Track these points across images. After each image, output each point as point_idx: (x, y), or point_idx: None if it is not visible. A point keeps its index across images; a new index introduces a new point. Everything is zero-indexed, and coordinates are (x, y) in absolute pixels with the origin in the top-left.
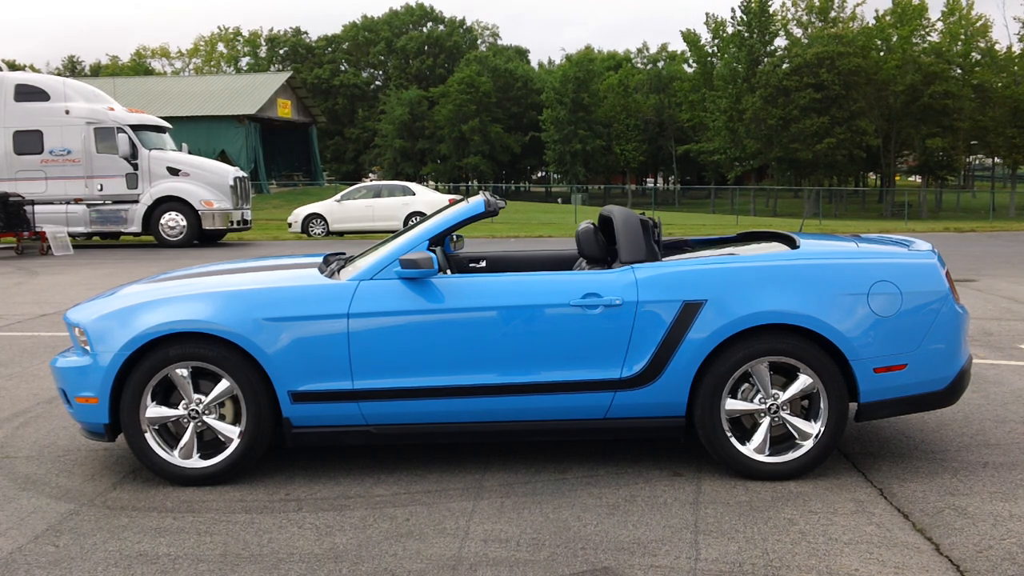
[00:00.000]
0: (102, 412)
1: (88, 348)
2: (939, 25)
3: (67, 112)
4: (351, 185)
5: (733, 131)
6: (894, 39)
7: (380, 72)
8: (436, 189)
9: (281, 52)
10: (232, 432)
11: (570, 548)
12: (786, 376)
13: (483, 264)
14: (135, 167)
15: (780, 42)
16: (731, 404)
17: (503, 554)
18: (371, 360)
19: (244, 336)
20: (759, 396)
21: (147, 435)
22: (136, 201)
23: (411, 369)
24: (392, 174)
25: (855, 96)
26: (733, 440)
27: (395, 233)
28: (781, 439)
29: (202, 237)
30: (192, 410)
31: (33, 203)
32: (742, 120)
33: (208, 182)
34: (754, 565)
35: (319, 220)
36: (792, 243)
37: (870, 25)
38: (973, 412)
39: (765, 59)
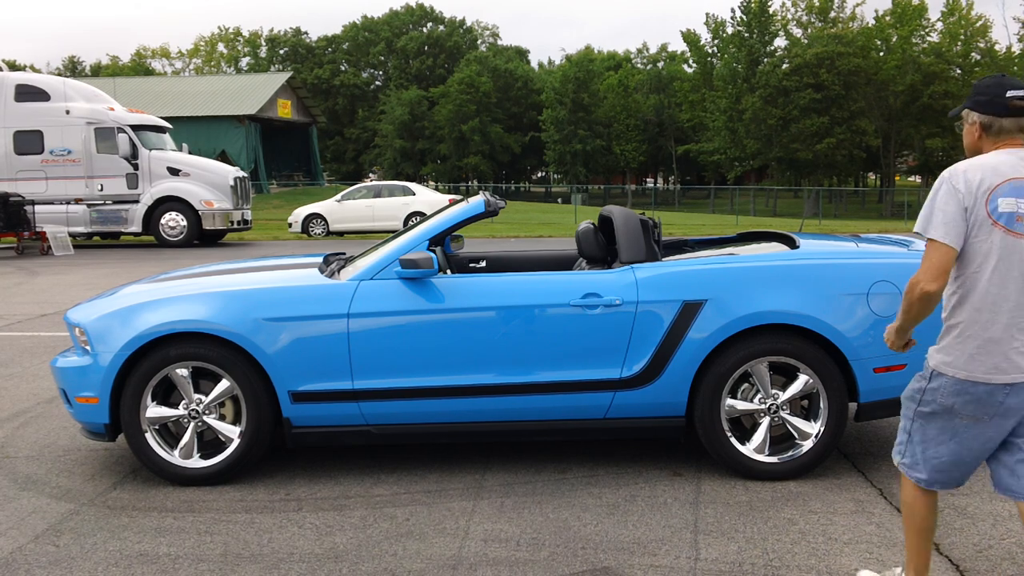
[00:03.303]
0: (102, 412)
1: (88, 348)
2: (939, 25)
3: (67, 112)
4: (351, 185)
5: (733, 131)
6: (894, 39)
7: (380, 72)
8: (436, 189)
9: (281, 52)
10: (232, 432)
11: (570, 548)
12: (786, 376)
13: (483, 264)
14: (135, 167)
15: (780, 42)
16: (731, 404)
17: (503, 554)
18: (371, 360)
19: (244, 336)
20: (759, 396)
21: (147, 435)
22: (136, 201)
23: (411, 369)
24: (392, 174)
25: (855, 96)
26: (733, 440)
27: (395, 233)
28: (781, 439)
29: (202, 237)
30: (192, 410)
31: (33, 203)
32: (742, 120)
33: (208, 182)
34: (754, 565)
35: (319, 220)
36: (792, 243)
37: (870, 25)
38: None
39: (765, 59)
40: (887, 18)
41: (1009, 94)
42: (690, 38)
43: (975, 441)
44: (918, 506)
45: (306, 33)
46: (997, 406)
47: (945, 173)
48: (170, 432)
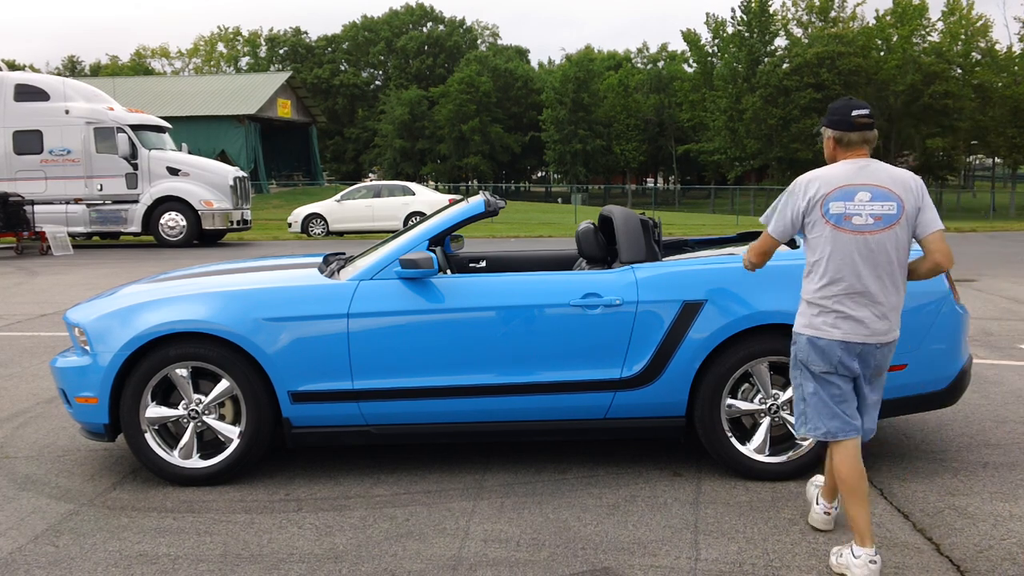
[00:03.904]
0: (102, 412)
1: (88, 348)
2: (939, 25)
3: (67, 112)
4: (351, 185)
5: (733, 131)
6: (894, 39)
7: (380, 72)
8: (436, 189)
9: (281, 52)
10: (232, 432)
11: (570, 548)
12: (786, 376)
13: (483, 264)
14: (135, 167)
15: (780, 42)
16: (731, 404)
17: (503, 554)
18: (371, 360)
19: (244, 336)
20: (759, 396)
21: (147, 435)
22: (136, 201)
23: (411, 369)
24: (392, 174)
25: (856, 96)
26: (733, 440)
27: (395, 233)
28: (781, 439)
29: (202, 237)
30: (192, 410)
31: (33, 203)
32: (742, 120)
33: (208, 182)
34: (754, 565)
35: (319, 220)
36: (792, 243)
37: (870, 25)
38: (973, 412)
39: (765, 59)
40: (888, 18)
41: (854, 113)
42: (690, 38)
43: (833, 389)
44: (843, 471)
45: (306, 33)
46: (836, 361)
47: (793, 182)
48: (170, 432)
